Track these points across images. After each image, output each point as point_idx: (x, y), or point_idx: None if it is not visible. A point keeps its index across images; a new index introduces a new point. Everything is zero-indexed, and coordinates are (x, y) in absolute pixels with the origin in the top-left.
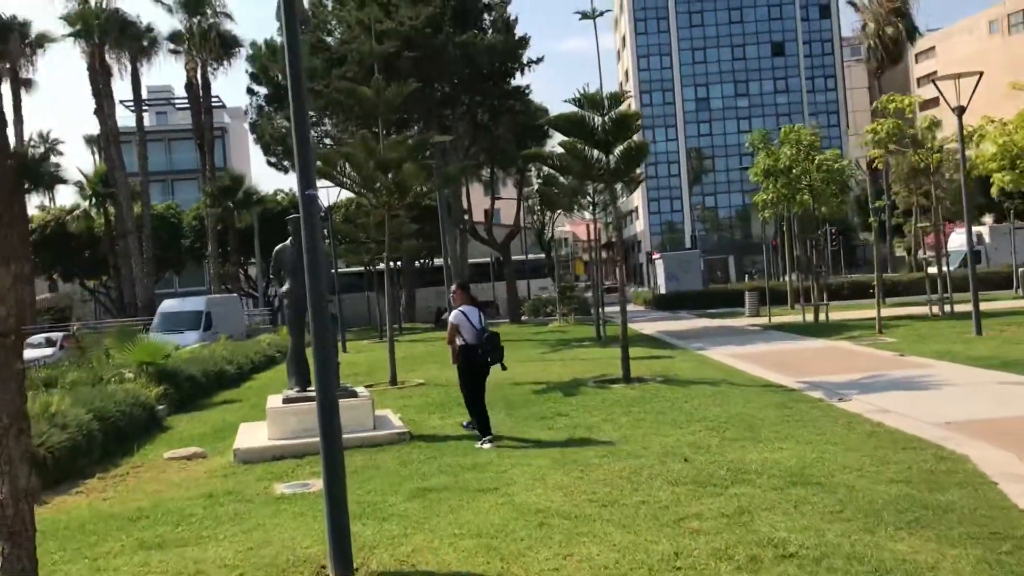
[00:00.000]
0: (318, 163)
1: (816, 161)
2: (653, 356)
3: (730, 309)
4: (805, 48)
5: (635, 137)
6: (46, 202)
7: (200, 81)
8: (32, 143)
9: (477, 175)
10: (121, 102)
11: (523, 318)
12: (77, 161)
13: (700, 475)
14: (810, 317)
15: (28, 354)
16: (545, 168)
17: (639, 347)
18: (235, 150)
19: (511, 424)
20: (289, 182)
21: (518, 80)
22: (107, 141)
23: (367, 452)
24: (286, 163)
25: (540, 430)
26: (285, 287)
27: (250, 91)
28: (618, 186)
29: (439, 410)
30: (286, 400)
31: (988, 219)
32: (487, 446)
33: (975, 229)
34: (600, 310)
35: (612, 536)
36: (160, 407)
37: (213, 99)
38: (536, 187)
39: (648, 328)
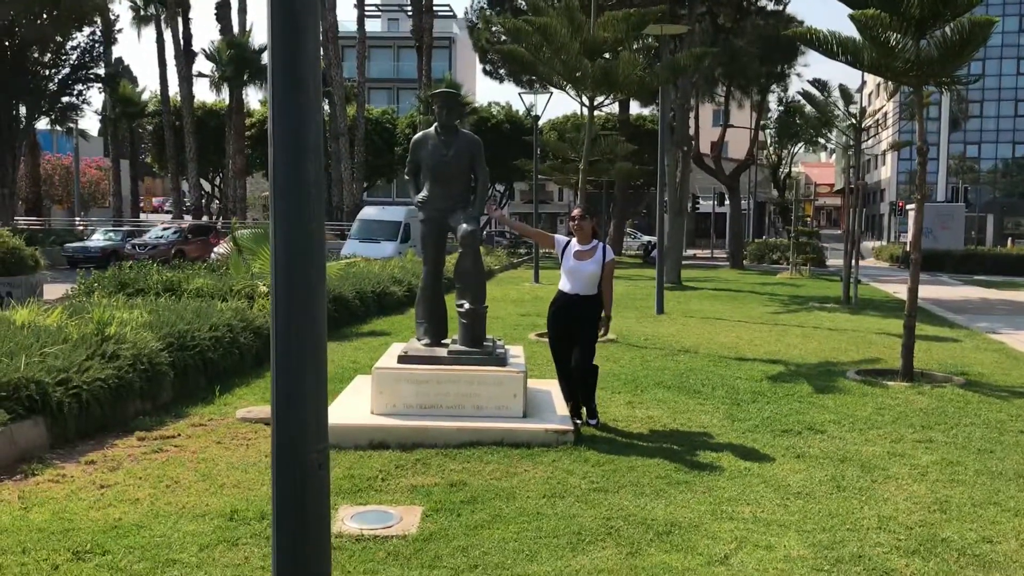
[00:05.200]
0: (505, 39)
1: None
2: (930, 336)
3: (1004, 278)
4: None
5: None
6: None
7: None
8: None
9: (710, 93)
10: (354, 6)
11: (744, 263)
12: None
13: None
14: None
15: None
16: (790, 92)
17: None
18: (463, 65)
19: (733, 434)
20: (506, 94)
21: None
22: (325, 39)
23: (504, 458)
24: (502, 71)
25: (780, 456)
26: (423, 194)
27: None
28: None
29: (629, 388)
30: (403, 359)
31: None
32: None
33: None
34: (856, 265)
35: None
36: None
37: (443, 7)
38: (775, 115)
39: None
